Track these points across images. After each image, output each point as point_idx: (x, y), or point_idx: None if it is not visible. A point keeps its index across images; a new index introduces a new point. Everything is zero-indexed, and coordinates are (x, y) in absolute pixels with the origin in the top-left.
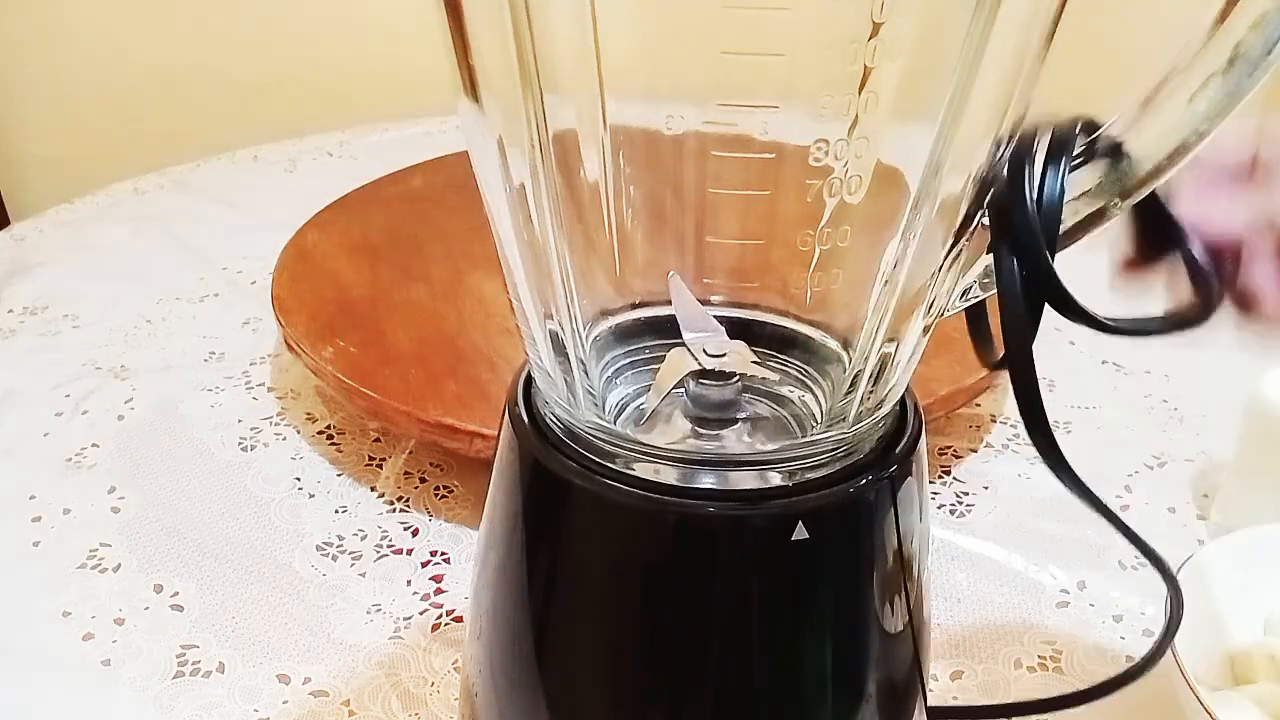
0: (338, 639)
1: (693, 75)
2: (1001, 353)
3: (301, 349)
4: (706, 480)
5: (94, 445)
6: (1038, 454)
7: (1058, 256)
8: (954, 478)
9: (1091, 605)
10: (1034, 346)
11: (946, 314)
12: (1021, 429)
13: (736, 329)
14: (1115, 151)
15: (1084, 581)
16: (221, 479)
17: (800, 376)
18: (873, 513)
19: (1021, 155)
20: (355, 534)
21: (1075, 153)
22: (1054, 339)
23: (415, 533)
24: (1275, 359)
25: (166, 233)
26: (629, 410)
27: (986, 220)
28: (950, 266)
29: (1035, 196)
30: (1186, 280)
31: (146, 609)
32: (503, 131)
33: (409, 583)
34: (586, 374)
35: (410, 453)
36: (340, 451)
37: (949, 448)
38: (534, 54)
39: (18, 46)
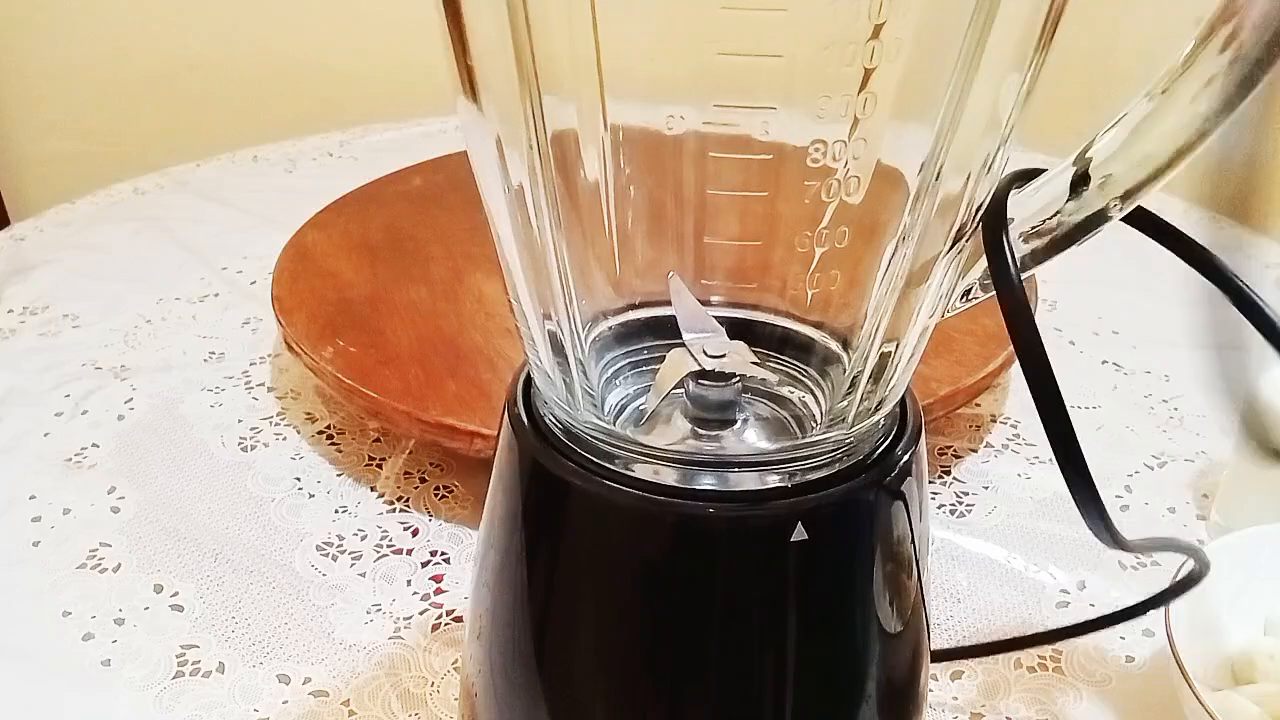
0: (338, 639)
1: (691, 76)
2: None
3: (301, 349)
4: (706, 481)
5: (94, 445)
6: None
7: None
8: (954, 478)
9: (1091, 605)
10: None
11: (947, 315)
12: (1021, 428)
13: (736, 329)
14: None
15: (1084, 581)
16: (221, 479)
17: (800, 377)
18: (873, 513)
19: None
20: (355, 534)
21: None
22: (1054, 339)
23: (415, 533)
24: (1275, 359)
25: (166, 233)
26: (629, 411)
27: None
28: (950, 267)
29: None
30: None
31: (146, 609)
32: (501, 132)
33: (409, 583)
34: (586, 375)
35: (410, 453)
36: (340, 451)
37: (949, 448)
38: (532, 55)
39: (18, 46)
